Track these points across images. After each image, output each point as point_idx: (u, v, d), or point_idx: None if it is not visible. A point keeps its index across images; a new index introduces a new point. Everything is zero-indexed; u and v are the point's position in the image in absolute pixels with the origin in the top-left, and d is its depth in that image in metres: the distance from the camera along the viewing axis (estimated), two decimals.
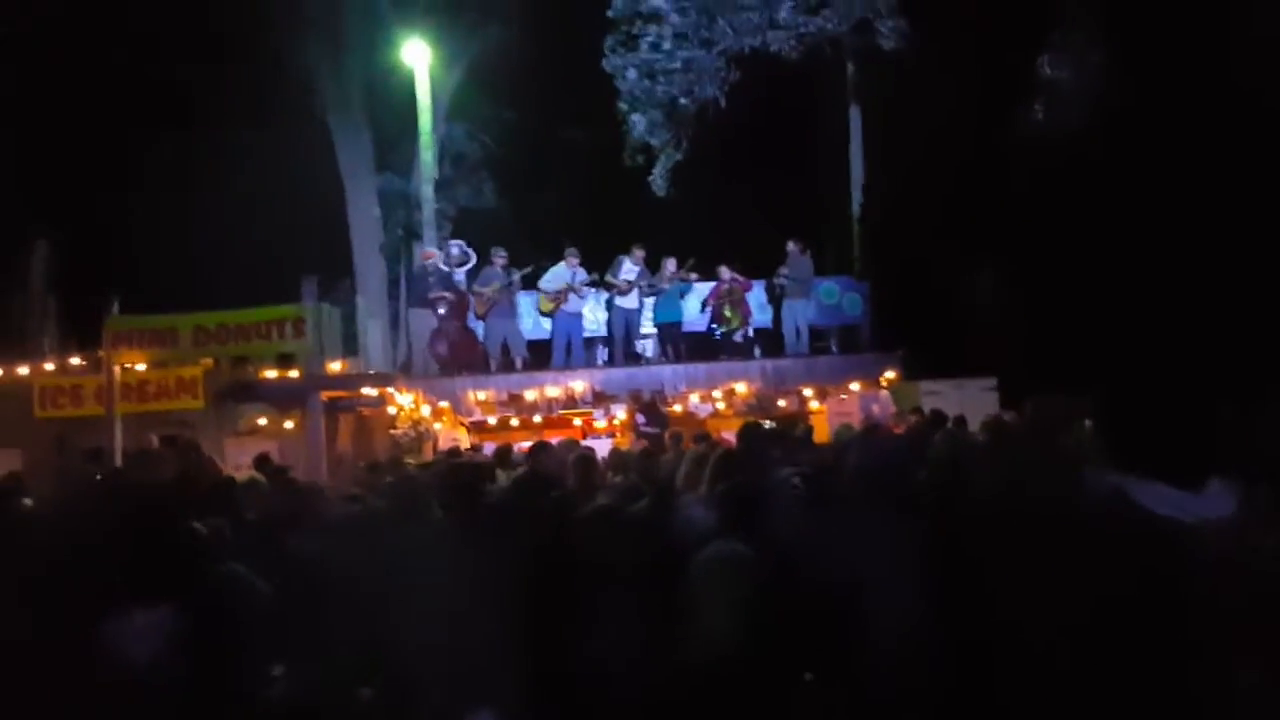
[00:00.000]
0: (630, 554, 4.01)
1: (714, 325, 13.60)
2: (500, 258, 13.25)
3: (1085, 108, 9.90)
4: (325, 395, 11.46)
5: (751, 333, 13.99)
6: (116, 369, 10.96)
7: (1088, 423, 5.41)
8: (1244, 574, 2.93)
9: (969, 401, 11.21)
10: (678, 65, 14.40)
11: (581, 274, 13.26)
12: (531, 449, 6.65)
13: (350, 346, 13.62)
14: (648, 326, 13.96)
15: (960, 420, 8.78)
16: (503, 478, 6.85)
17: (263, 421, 11.60)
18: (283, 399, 11.59)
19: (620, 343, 13.57)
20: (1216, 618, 2.88)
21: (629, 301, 13.45)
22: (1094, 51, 10.12)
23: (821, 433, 11.81)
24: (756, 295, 14.15)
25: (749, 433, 6.04)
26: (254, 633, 4.13)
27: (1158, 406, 3.32)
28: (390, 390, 11.70)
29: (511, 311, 13.30)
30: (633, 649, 3.63)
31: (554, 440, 8.84)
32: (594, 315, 14.22)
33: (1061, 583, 3.25)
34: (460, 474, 4.35)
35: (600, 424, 13.45)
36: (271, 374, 11.92)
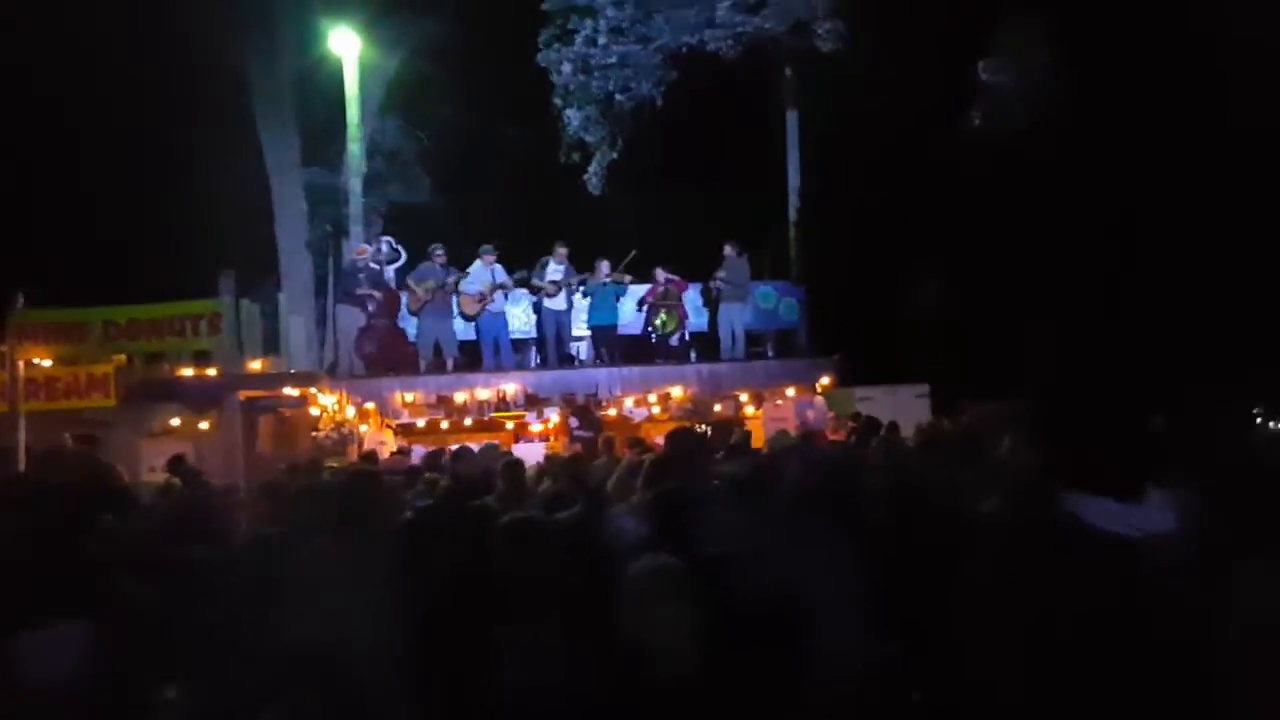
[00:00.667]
0: (551, 569, 3.75)
1: (650, 328, 13.42)
2: (439, 255, 12.87)
3: (1025, 112, 9.94)
4: (243, 395, 11.05)
5: (687, 336, 13.85)
6: (20, 365, 10.40)
7: (1015, 433, 5.36)
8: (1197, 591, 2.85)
9: (901, 407, 11.26)
10: (613, 60, 14.17)
11: (500, 271, 12.91)
12: (452, 455, 6.35)
13: (273, 345, 13.15)
14: (581, 329, 13.71)
15: (894, 426, 8.73)
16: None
17: (176, 422, 11.12)
18: (198, 398, 11.14)
19: (552, 345, 13.28)
20: (1171, 633, 2.76)
21: (557, 303, 13.13)
22: (1034, 56, 10.18)
23: (757, 438, 11.73)
24: (692, 298, 14.01)
25: (680, 438, 5.81)
26: (146, 652, 3.87)
27: (1091, 417, 3.21)
28: (313, 390, 11.29)
29: (446, 311, 12.92)
30: (556, 675, 3.39)
31: (475, 445, 8.56)
32: (525, 316, 13.92)
33: (1016, 601, 3.12)
34: (359, 485, 4.04)
35: (534, 427, 13.21)
36: (188, 372, 11.46)
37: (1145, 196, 8.61)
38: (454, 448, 7.29)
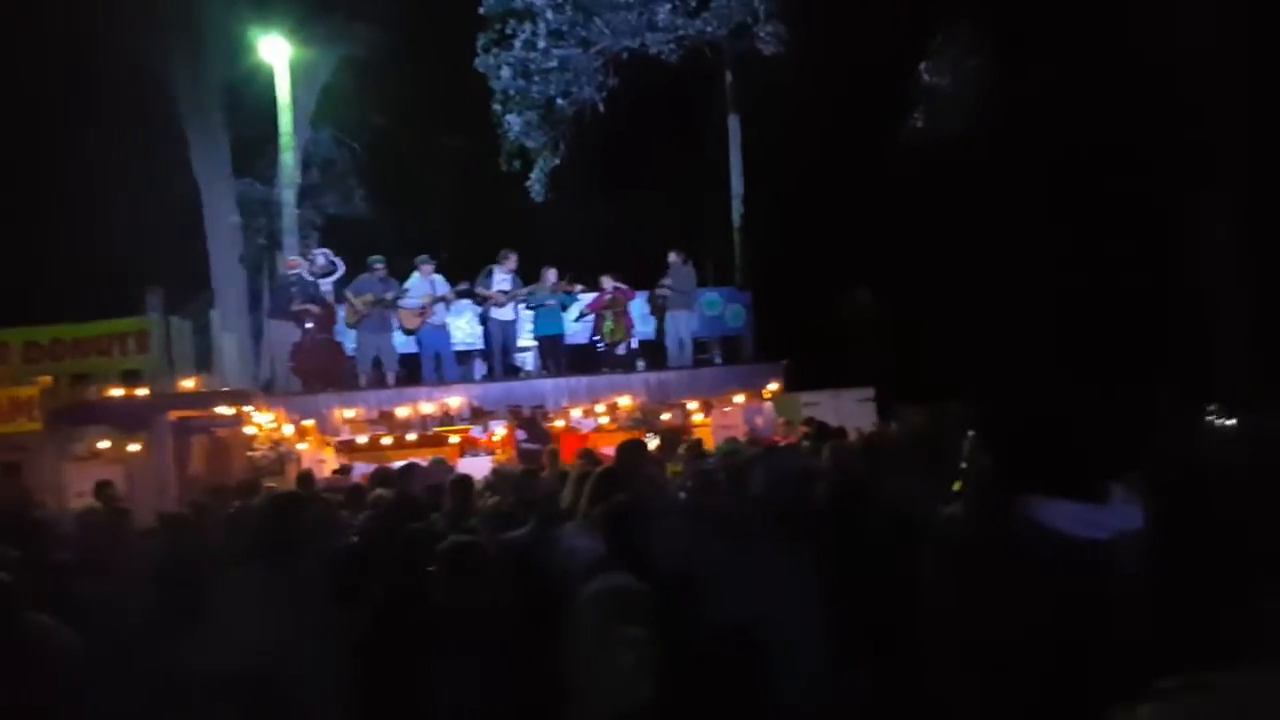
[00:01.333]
0: (492, 598, 3.55)
1: (596, 337, 13.25)
2: (378, 268, 12.55)
3: (963, 114, 9.99)
4: (174, 415, 10.62)
5: (635, 345, 13.71)
6: None
7: (969, 435, 5.29)
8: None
9: (845, 411, 11.33)
10: (554, 64, 13.96)
11: (440, 282, 12.63)
12: (398, 472, 6.11)
13: (207, 363, 12.71)
14: (527, 339, 13.48)
15: (840, 431, 8.66)
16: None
17: (104, 445, 10.64)
18: (126, 419, 10.68)
19: (498, 356, 13.04)
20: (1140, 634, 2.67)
21: (505, 314, 12.89)
22: (973, 57, 10.24)
23: (706, 446, 11.63)
24: (639, 306, 13.88)
25: (627, 449, 5.65)
26: (57, 691, 3.63)
27: (1043, 418, 3.12)
28: (247, 409, 10.90)
29: (385, 324, 12.59)
30: (502, 711, 3.20)
31: (422, 461, 8.31)
32: (470, 327, 13.65)
33: (982, 612, 3.01)
34: (280, 510, 3.80)
35: (480, 440, 12.94)
36: (117, 392, 11.00)
37: (1086, 193, 8.69)
38: (399, 464, 7.03)
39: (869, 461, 5.77)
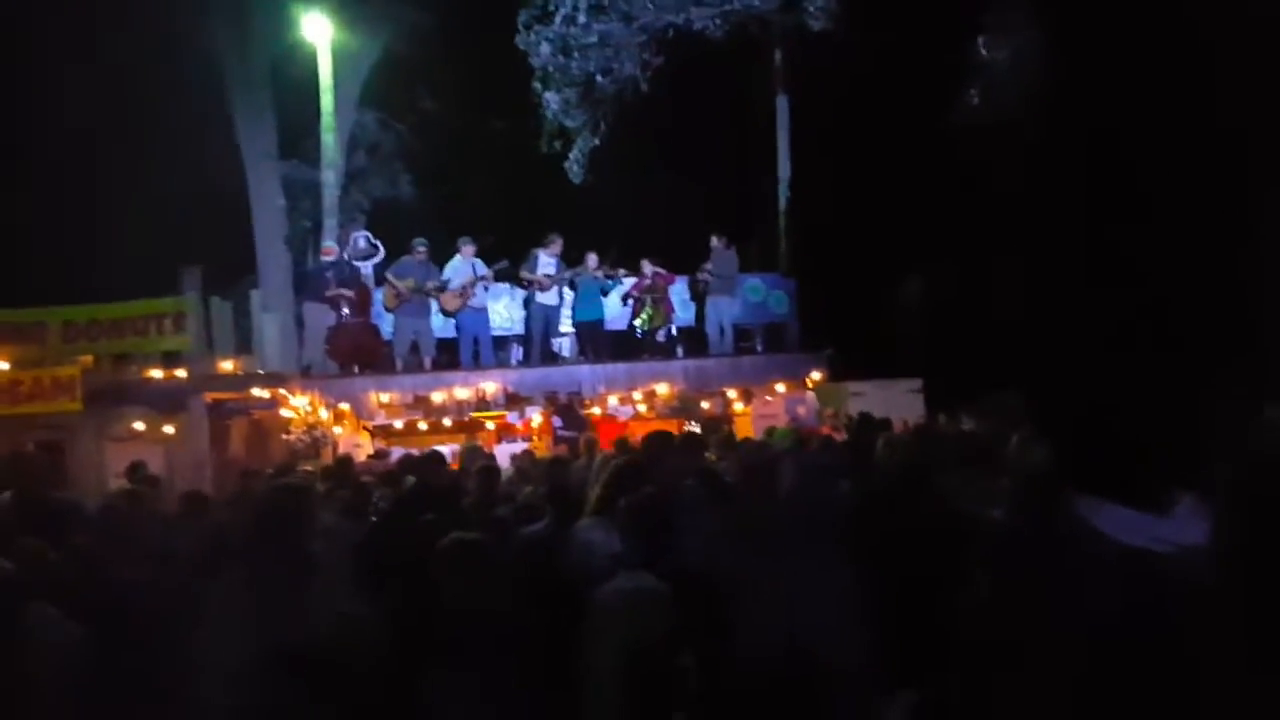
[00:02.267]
0: (499, 597, 3.29)
1: (634, 322, 13.01)
2: (420, 251, 12.42)
3: (1022, 90, 9.47)
4: (210, 397, 10.59)
5: (674, 331, 13.42)
6: None
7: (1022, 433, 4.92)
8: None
9: (893, 403, 10.93)
10: (594, 39, 13.55)
11: (480, 264, 12.47)
12: (419, 459, 5.89)
13: (247, 345, 12.69)
14: (565, 324, 13.28)
15: (886, 424, 8.31)
16: None
17: (140, 426, 10.65)
18: (162, 401, 10.67)
19: (538, 341, 12.84)
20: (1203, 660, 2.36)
21: (549, 298, 12.71)
22: (1032, 30, 9.70)
23: (746, 435, 11.33)
24: (679, 292, 13.61)
25: (653, 440, 5.36)
26: (58, 685, 3.49)
27: (1110, 419, 2.77)
28: (283, 392, 10.84)
29: (423, 308, 12.48)
30: None
31: (451, 447, 8.15)
32: (507, 313, 13.48)
33: (1022, 625, 2.70)
34: (280, 503, 3.58)
35: (516, 427, 12.79)
36: (156, 374, 11.00)
37: (1150, 179, 8.17)
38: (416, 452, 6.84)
39: (919, 458, 5.44)
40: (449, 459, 6.27)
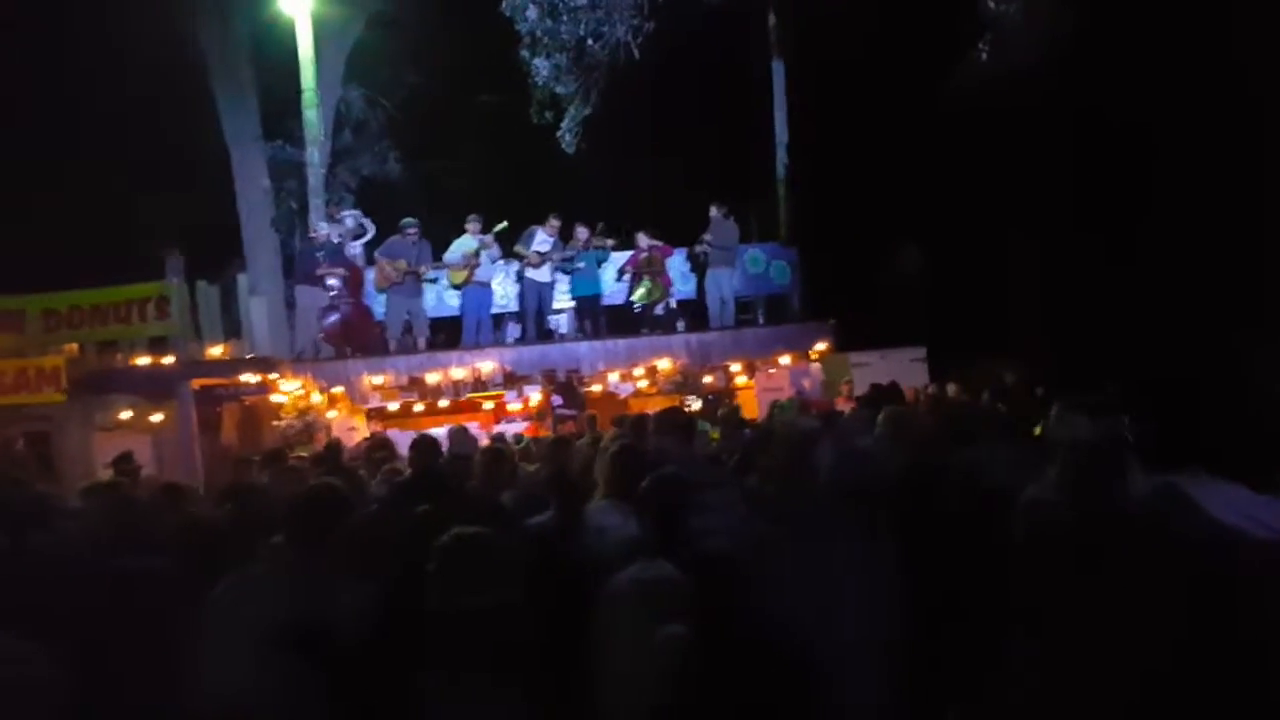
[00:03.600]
0: (504, 596, 3.01)
1: (631, 299, 12.71)
2: (411, 231, 12.12)
3: (1035, 45, 9.09)
4: (198, 383, 10.29)
5: (674, 304, 13.12)
6: None
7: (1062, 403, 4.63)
8: None
9: (897, 372, 10.80)
10: (583, 2, 13.15)
11: (488, 238, 12.22)
12: (412, 444, 5.60)
13: (236, 329, 12.39)
14: (564, 300, 12.97)
15: (897, 393, 8.07)
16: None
17: (126, 415, 10.36)
18: (148, 388, 10.37)
19: (531, 318, 12.55)
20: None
21: (541, 275, 12.44)
22: None
23: (750, 409, 11.08)
24: (679, 264, 13.29)
25: (665, 420, 5.08)
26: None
27: (1223, 388, 2.49)
28: (273, 376, 10.54)
29: (415, 289, 12.18)
30: None
31: (440, 429, 7.85)
32: (503, 290, 13.18)
33: (1090, 619, 2.42)
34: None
35: (514, 406, 12.52)
36: (144, 360, 10.70)
37: (1173, 134, 7.82)
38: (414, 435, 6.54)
39: (940, 431, 5.15)
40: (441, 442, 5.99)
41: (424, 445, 5.33)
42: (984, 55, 10.23)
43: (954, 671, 2.66)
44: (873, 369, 11.33)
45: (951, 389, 9.50)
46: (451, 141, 18.16)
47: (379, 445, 7.13)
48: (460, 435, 6.84)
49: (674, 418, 5.40)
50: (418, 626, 2.95)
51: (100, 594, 3.42)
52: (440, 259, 12.46)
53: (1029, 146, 10.74)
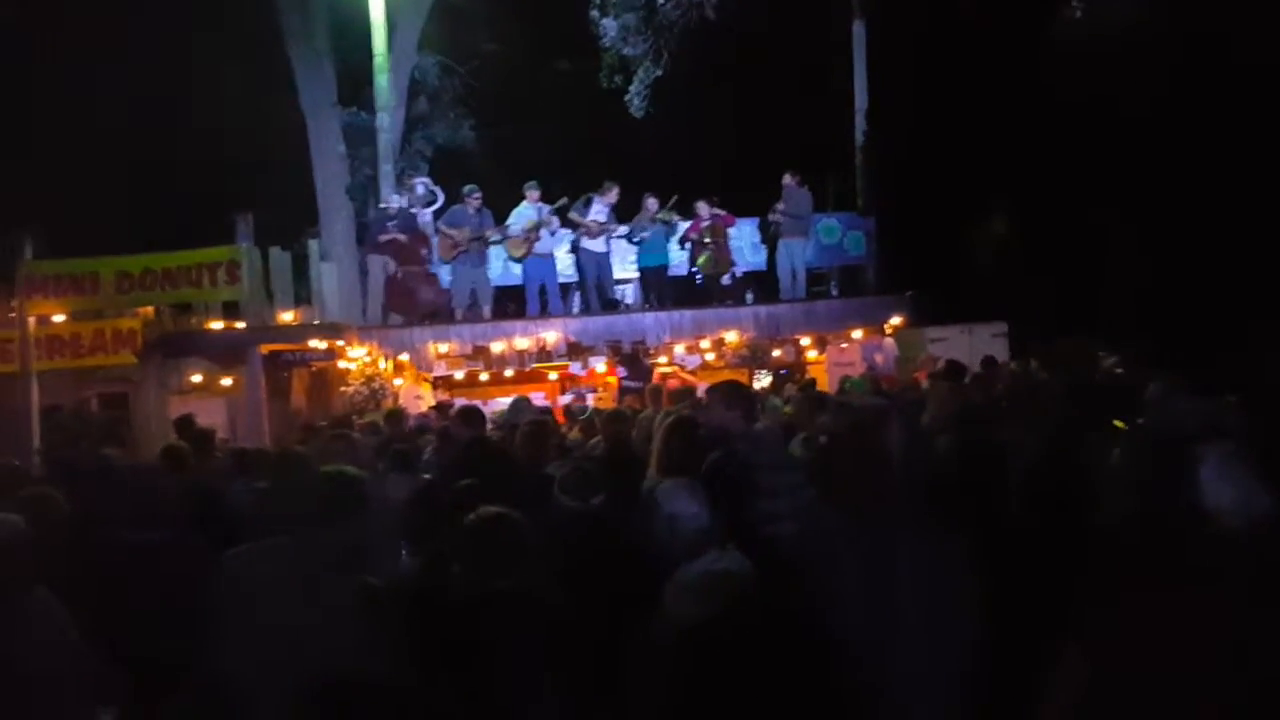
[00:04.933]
0: (533, 582, 2.82)
1: (693, 269, 12.42)
2: (474, 199, 12.01)
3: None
4: (266, 348, 10.38)
5: (737, 274, 12.80)
6: (31, 320, 9.85)
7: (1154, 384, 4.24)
8: None
9: (977, 348, 10.56)
10: None
11: (546, 209, 12.01)
12: (458, 413, 5.43)
13: (309, 295, 12.50)
14: (628, 270, 12.75)
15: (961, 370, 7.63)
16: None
17: (198, 378, 10.52)
18: (219, 352, 10.52)
19: (592, 289, 12.33)
20: None
21: (596, 245, 12.15)
22: None
23: (819, 385, 10.74)
24: (749, 234, 12.98)
25: (723, 391, 4.78)
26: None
27: None
28: (340, 343, 10.57)
29: (480, 258, 12.09)
30: None
31: (512, 399, 7.72)
32: (567, 259, 13.01)
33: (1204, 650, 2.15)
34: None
35: (580, 377, 12.42)
36: (217, 325, 10.84)
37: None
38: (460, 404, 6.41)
39: (995, 416, 4.76)
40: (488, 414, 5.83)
41: (470, 415, 5.17)
42: (1079, 13, 9.61)
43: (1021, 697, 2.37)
44: (951, 344, 11.00)
45: (1034, 365, 9.08)
46: (525, 109, 18.05)
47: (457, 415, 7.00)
48: (519, 405, 6.68)
49: (735, 390, 5.12)
50: (439, 613, 2.79)
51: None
52: (503, 226, 12.35)
53: (1128, 115, 10.12)
